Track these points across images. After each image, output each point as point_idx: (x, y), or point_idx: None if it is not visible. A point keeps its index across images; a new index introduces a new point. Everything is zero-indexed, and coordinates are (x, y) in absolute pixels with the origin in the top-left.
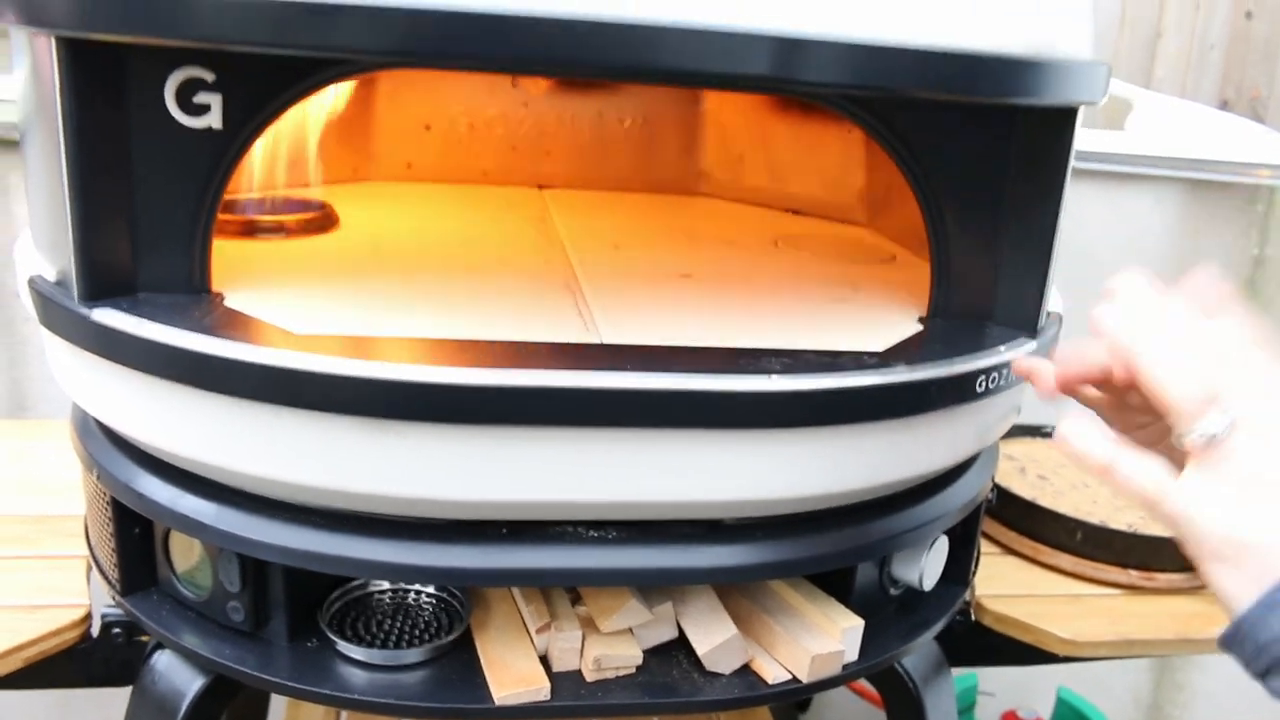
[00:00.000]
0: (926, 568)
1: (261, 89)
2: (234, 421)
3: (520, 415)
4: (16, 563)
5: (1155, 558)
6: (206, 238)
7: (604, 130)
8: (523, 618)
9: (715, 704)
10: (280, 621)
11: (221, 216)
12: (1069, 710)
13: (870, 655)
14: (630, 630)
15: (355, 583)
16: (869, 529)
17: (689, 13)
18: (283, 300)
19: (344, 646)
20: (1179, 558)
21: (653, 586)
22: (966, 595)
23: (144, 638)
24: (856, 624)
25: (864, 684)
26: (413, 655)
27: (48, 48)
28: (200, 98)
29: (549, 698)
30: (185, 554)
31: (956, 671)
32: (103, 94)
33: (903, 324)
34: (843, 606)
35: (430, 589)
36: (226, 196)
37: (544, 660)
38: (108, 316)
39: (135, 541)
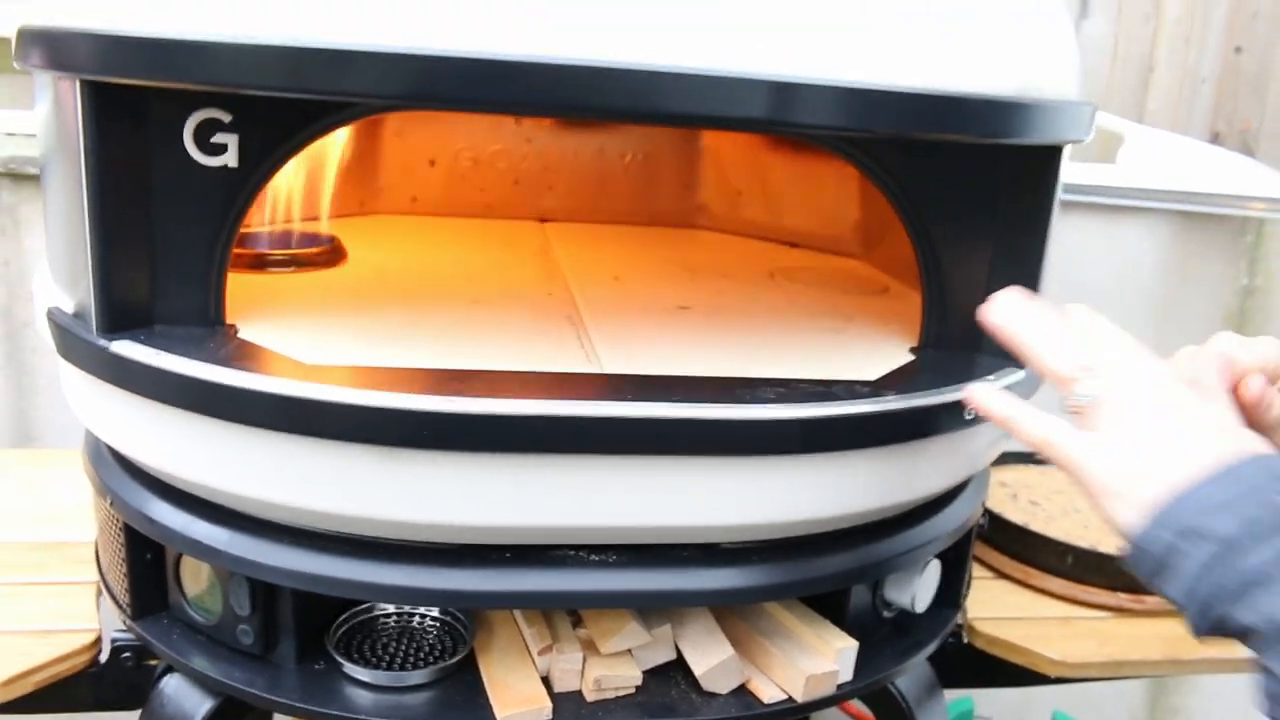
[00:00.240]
0: (919, 590)
1: (276, 130)
2: (248, 449)
3: (524, 443)
4: (28, 589)
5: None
6: (222, 272)
7: (605, 165)
8: (525, 640)
9: None
10: (289, 644)
11: (235, 251)
12: None
13: (864, 676)
14: (630, 652)
15: (362, 606)
16: (862, 552)
17: (687, 58)
18: (294, 332)
19: (350, 668)
20: None
21: (652, 609)
22: (959, 618)
23: (153, 661)
24: (850, 645)
25: (858, 705)
26: (417, 677)
27: (71, 90)
28: (218, 138)
29: (551, 718)
30: (195, 579)
31: (953, 695)
32: (124, 134)
33: (895, 354)
34: (837, 628)
35: (434, 612)
36: (240, 231)
37: (546, 681)
38: (126, 348)
39: (147, 567)
